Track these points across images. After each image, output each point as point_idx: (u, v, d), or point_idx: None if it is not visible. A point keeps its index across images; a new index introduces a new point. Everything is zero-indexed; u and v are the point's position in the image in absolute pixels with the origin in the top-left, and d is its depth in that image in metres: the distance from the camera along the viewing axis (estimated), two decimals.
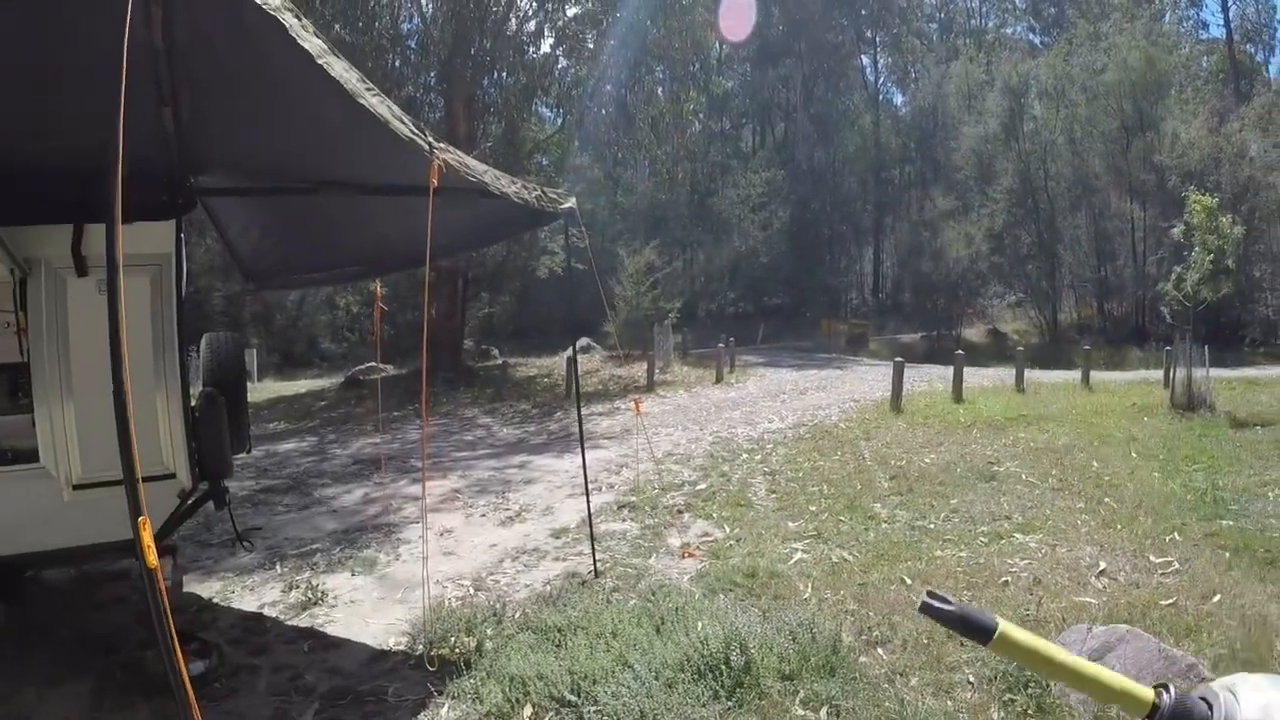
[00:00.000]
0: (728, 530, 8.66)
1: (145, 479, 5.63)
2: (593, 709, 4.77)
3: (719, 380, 24.82)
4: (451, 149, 5.08)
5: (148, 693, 5.66)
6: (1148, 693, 1.20)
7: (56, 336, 5.74)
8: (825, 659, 5.12)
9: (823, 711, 4.69)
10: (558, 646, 5.62)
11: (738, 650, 5.06)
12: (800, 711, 4.71)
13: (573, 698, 4.89)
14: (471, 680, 5.32)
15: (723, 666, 4.97)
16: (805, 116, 60.03)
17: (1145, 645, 4.81)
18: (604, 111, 31.09)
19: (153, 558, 2.96)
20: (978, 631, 1.28)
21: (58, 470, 5.74)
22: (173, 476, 5.88)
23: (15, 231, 5.51)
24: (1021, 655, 1.30)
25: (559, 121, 33.28)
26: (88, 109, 4.81)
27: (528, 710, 4.89)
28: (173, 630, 3.04)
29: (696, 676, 4.98)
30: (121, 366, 3.09)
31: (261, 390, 29.89)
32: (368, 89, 4.22)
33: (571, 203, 6.72)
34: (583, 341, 32.38)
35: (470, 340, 30.59)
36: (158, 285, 5.86)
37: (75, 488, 5.76)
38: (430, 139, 4.77)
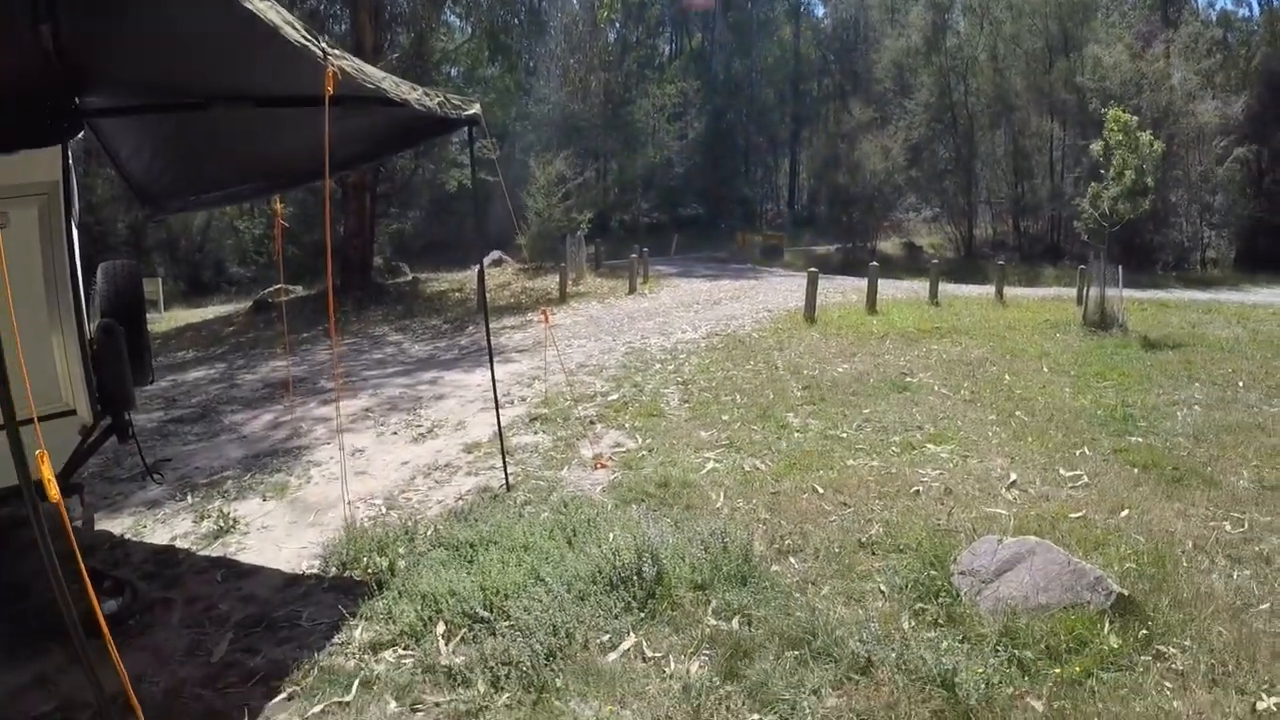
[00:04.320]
0: (640, 440, 8.74)
1: (44, 417, 5.59)
2: (505, 624, 4.85)
3: (632, 291, 24.79)
4: (348, 55, 4.96)
5: (62, 637, 5.65)
6: None
7: None
8: (737, 568, 5.22)
9: (734, 621, 4.79)
10: (469, 563, 5.66)
11: (649, 561, 5.15)
12: (713, 621, 4.81)
13: (485, 613, 4.95)
14: (384, 600, 5.35)
15: (634, 578, 5.07)
16: (724, 25, 59.48)
17: (1054, 558, 4.96)
18: (515, 20, 30.50)
19: (54, 491, 3.00)
20: None
21: None
22: (73, 413, 5.81)
23: None
24: None
25: (469, 31, 32.57)
26: None
27: (440, 627, 4.94)
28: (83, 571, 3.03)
29: (609, 588, 5.08)
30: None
31: (169, 319, 29.24)
32: None
33: (475, 109, 6.54)
34: (494, 255, 32.20)
35: (380, 257, 30.16)
36: (45, 216, 5.66)
37: None
38: (324, 45, 4.65)
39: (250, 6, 3.98)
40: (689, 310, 20.39)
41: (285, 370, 15.88)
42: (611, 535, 5.74)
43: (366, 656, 4.84)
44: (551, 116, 48.23)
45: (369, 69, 5.20)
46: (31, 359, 5.47)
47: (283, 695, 4.61)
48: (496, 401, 8.12)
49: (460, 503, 7.35)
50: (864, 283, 19.13)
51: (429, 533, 6.55)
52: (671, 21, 62.66)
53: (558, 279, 24.82)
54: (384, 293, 26.39)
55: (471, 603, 5.04)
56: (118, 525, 7.76)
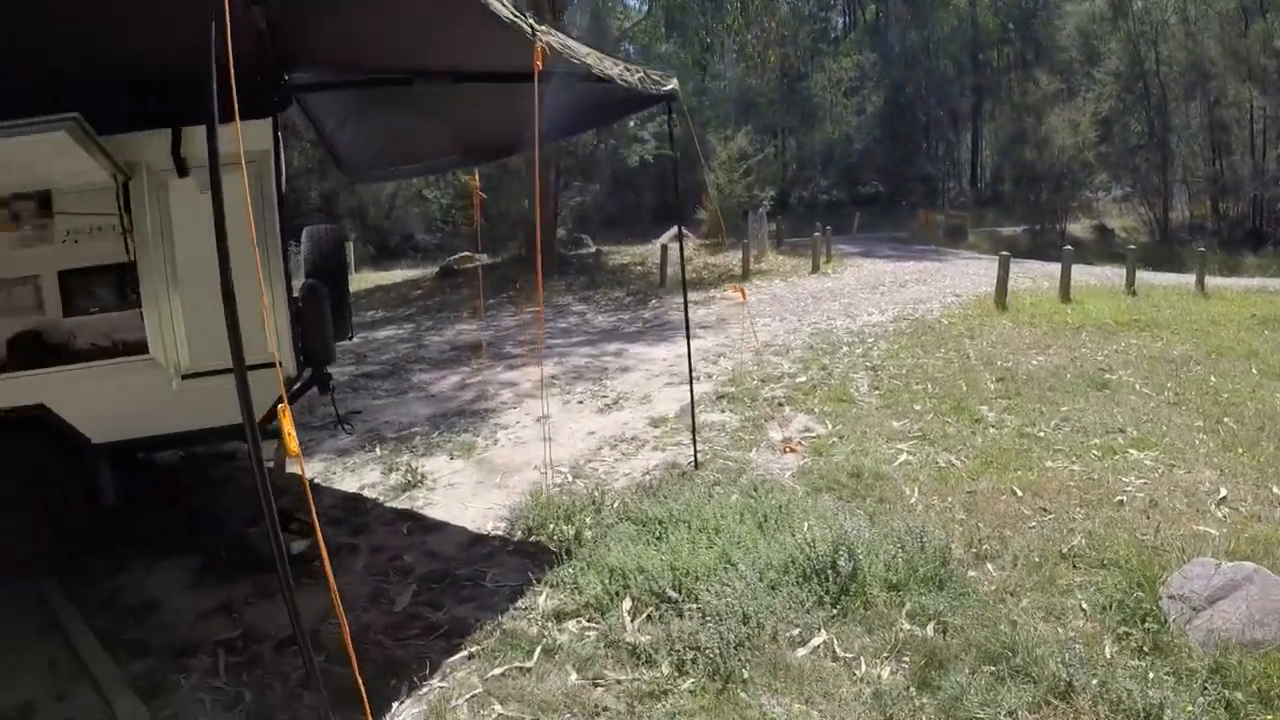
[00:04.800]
0: (830, 426, 8.43)
1: (252, 367, 5.85)
2: (693, 606, 4.72)
3: (815, 270, 24.26)
4: (554, 31, 4.91)
5: (250, 568, 5.88)
6: None
7: (161, 235, 5.94)
8: (933, 571, 4.94)
9: (930, 627, 4.52)
10: (658, 539, 5.55)
11: (845, 556, 4.92)
12: (907, 625, 4.56)
13: (673, 594, 4.84)
14: (570, 569, 5.31)
15: (829, 571, 4.85)
16: None
17: (1273, 588, 4.50)
18: None
19: (294, 444, 3.08)
20: None
21: (166, 361, 5.98)
22: (278, 365, 5.96)
23: (116, 138, 5.57)
24: None
25: (644, 9, 32.44)
26: (180, 13, 4.78)
27: (626, 603, 4.85)
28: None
29: (801, 580, 4.88)
30: (228, 264, 3.06)
31: (359, 280, 30.26)
32: None
33: (673, 84, 6.50)
34: (675, 229, 32.11)
35: (562, 229, 30.42)
36: (257, 182, 5.90)
37: (184, 377, 6.00)
38: (532, 21, 4.59)
39: None
40: (874, 292, 19.77)
41: (473, 334, 16.18)
42: (806, 525, 5.54)
43: (549, 624, 4.80)
44: (728, 93, 47.80)
45: (574, 44, 5.15)
46: (241, 314, 5.79)
47: (463, 653, 4.63)
48: (691, 376, 7.95)
49: (648, 477, 7.26)
50: (1054, 268, 18.22)
51: (615, 505, 6.48)
52: None
53: (739, 256, 24.42)
54: (567, 264, 26.52)
55: (660, 581, 4.92)
56: (309, 470, 7.96)
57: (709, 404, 9.43)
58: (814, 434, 8.23)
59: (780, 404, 9.35)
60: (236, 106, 3.06)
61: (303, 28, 5.47)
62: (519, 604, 5.07)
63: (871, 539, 5.34)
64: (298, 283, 7.00)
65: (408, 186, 41.76)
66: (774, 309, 17.38)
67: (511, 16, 4.41)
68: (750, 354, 11.77)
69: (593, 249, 30.80)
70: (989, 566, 5.26)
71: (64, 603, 5.67)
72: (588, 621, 4.80)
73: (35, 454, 6.09)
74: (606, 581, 5.04)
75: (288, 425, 3.07)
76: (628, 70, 5.88)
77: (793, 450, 7.68)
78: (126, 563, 6.30)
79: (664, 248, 23.89)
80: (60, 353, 6.72)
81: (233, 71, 3.08)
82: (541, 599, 5.06)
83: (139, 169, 5.87)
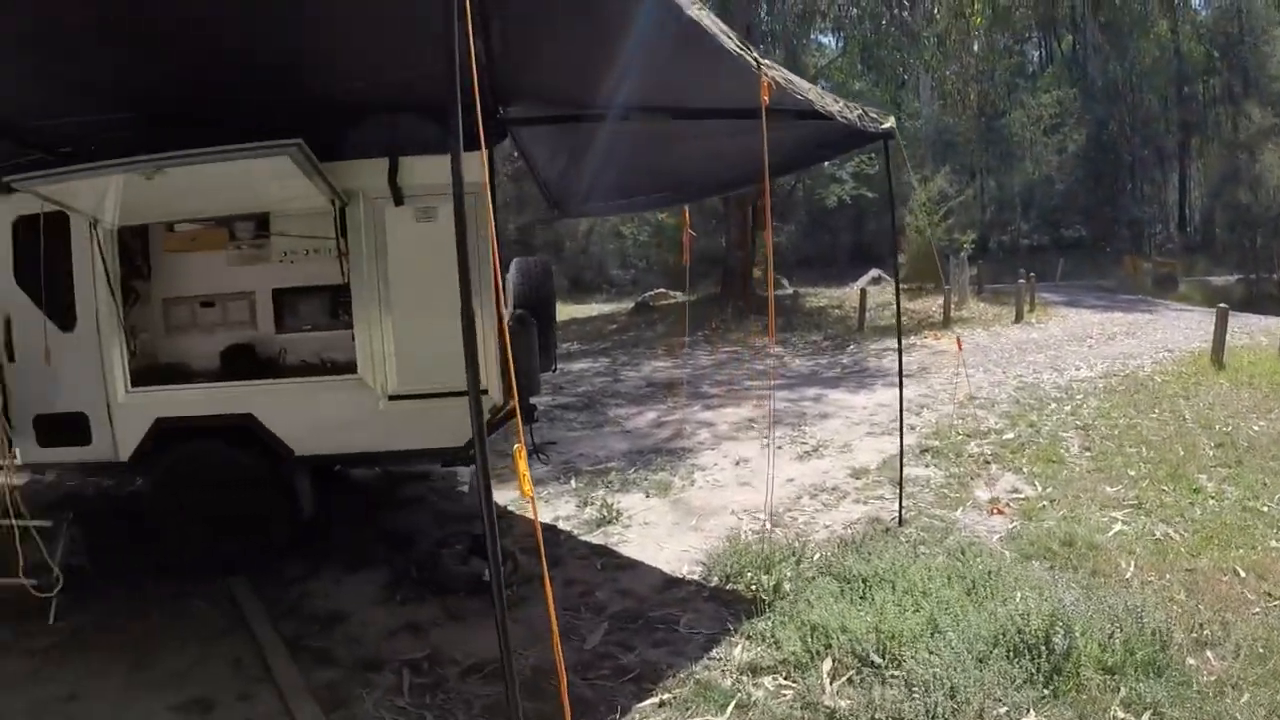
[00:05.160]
0: (1039, 488, 7.99)
1: (455, 394, 6.08)
2: (897, 674, 4.50)
3: (1019, 319, 23.28)
4: (777, 65, 4.83)
5: (438, 589, 6.01)
6: None
7: (375, 260, 6.22)
8: (1151, 655, 4.55)
9: (1145, 717, 4.16)
10: (862, 599, 5.31)
11: (1061, 632, 4.61)
12: (1121, 714, 4.20)
13: (877, 658, 4.62)
14: (767, 622, 5.16)
15: (1041, 647, 4.54)
16: (1094, 26, 54.57)
17: None
18: (891, 29, 29.52)
19: (528, 487, 3.13)
20: None
21: (374, 381, 6.26)
22: (485, 393, 6.13)
23: (335, 165, 5.88)
24: None
25: (839, 46, 31.87)
26: (400, 46, 4.98)
27: (827, 664, 4.66)
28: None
29: (1011, 654, 4.57)
30: (470, 293, 3.26)
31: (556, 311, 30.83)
32: (691, 1, 4.03)
33: (891, 122, 6.33)
34: (873, 273, 31.54)
35: (759, 269, 30.28)
36: (472, 213, 6.01)
37: (390, 398, 6.26)
38: (755, 55, 4.52)
39: (690, 13, 3.92)
40: (1081, 344, 18.78)
41: (670, 371, 16.20)
42: (1019, 595, 5.23)
43: (744, 678, 4.66)
44: (924, 131, 46.55)
45: (796, 79, 5.04)
46: (451, 341, 6.01)
47: (654, 699, 4.53)
48: (902, 428, 7.66)
49: (849, 531, 7.03)
50: (1273, 322, 17.08)
51: (816, 558, 6.30)
52: (1039, 25, 57.96)
53: (939, 301, 23.86)
54: (763, 304, 25.96)
55: (864, 644, 4.72)
56: (503, 496, 7.99)
57: (913, 457, 9.02)
58: (1022, 495, 7.82)
59: (987, 461, 8.96)
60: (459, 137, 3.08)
61: (521, 60, 5.63)
62: (713, 653, 4.95)
63: (1086, 615, 4.97)
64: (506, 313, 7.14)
65: (603, 222, 42.41)
66: (977, 359, 16.69)
67: (738, 48, 4.36)
68: (954, 406, 11.35)
69: (790, 290, 30.45)
70: (1209, 654, 4.80)
71: (254, 604, 5.97)
72: (784, 679, 4.64)
73: (240, 461, 6.47)
74: (807, 639, 4.86)
75: (522, 467, 3.07)
76: (847, 107, 5.77)
77: (1001, 512, 7.32)
78: (317, 571, 6.57)
79: (863, 291, 23.51)
80: (270, 367, 7.22)
81: (459, 102, 3.12)
82: (737, 650, 4.93)
83: (356, 195, 6.18)
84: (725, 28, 4.36)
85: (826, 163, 27.11)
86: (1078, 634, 4.66)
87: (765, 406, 12.01)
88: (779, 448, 9.73)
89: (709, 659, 4.89)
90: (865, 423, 11.08)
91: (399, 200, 6.18)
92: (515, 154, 9.51)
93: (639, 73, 5.61)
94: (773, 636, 4.99)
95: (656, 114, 6.17)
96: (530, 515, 7.49)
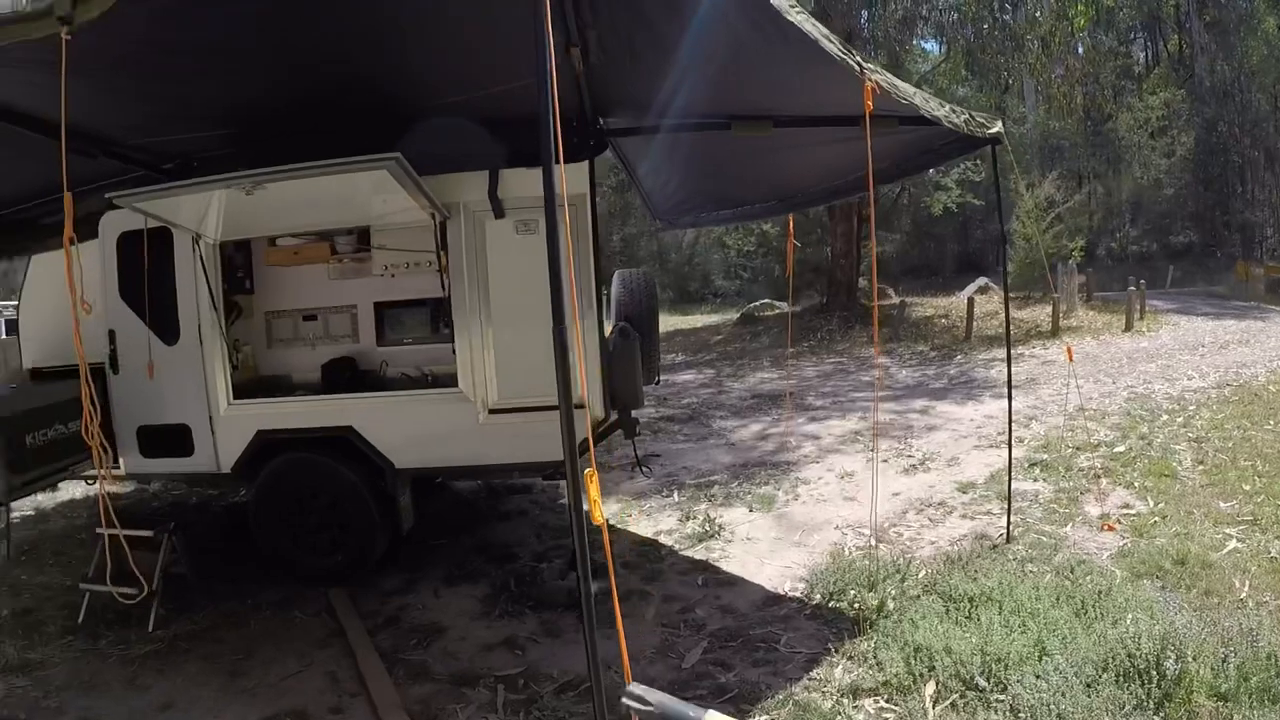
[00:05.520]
0: (1151, 504, 7.59)
1: (556, 408, 6.08)
2: (1003, 698, 4.30)
3: (1128, 328, 22.32)
4: (880, 70, 4.68)
5: (536, 604, 6.01)
6: None
7: (476, 273, 6.24)
8: (1266, 681, 4.23)
9: None
10: (968, 619, 5.10)
11: (1173, 657, 4.33)
12: None
13: (983, 682, 4.43)
14: (869, 642, 5.01)
15: (1152, 672, 4.27)
16: (1199, 25, 52.26)
17: None
18: (989, 35, 28.69)
19: (598, 514, 3.04)
20: None
21: (474, 395, 6.29)
22: (582, 407, 6.09)
23: (435, 179, 5.89)
24: None
25: (941, 51, 30.93)
26: (497, 60, 4.97)
27: (930, 687, 4.49)
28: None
29: (1120, 679, 4.32)
30: (560, 305, 3.31)
31: (660, 323, 30.79)
32: (791, 4, 3.91)
33: (998, 127, 6.04)
34: (980, 281, 30.71)
35: (864, 279, 29.79)
36: (573, 225, 6.06)
37: (491, 411, 6.27)
38: (859, 59, 4.38)
39: (789, 18, 3.83)
40: (1193, 353, 17.93)
41: (775, 383, 16.03)
42: (1129, 616, 4.93)
43: (845, 700, 4.51)
44: (1030, 136, 45.19)
45: (900, 84, 4.88)
46: (552, 355, 6.05)
47: None
48: (1010, 444, 7.44)
49: (955, 548, 6.76)
50: None
51: (921, 575, 6.08)
52: (1144, 25, 55.64)
53: (1048, 310, 23.03)
54: (869, 314, 25.45)
55: (969, 666, 4.52)
56: (605, 510, 7.99)
57: (1021, 471, 8.69)
58: (1134, 511, 7.44)
59: (1097, 475, 8.53)
60: (561, 149, 3.06)
61: (618, 73, 5.57)
62: (813, 674, 4.81)
63: (1199, 638, 4.65)
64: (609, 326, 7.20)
65: (708, 232, 42.19)
66: (1087, 369, 16.08)
67: (841, 54, 4.24)
68: (1063, 418, 10.94)
69: (895, 300, 29.84)
70: None
71: (351, 617, 6.03)
72: (886, 702, 4.48)
73: (341, 473, 6.58)
74: (910, 660, 4.69)
75: (594, 491, 3.01)
76: (953, 111, 5.55)
77: (1111, 529, 6.98)
78: (415, 584, 6.63)
79: (970, 300, 22.95)
80: (370, 380, 7.38)
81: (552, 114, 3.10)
82: (838, 671, 4.79)
83: (457, 209, 6.21)
84: (826, 32, 4.24)
85: (931, 170, 26.58)
86: (1189, 658, 4.37)
87: (871, 419, 11.78)
88: (884, 461, 9.54)
89: (809, 679, 4.75)
90: (973, 435, 10.76)
91: (499, 213, 6.19)
92: (618, 164, 9.48)
93: (738, 80, 5.54)
94: (875, 657, 4.84)
95: (757, 122, 6.05)
96: (631, 529, 7.54)
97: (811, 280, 30.23)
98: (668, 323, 30.14)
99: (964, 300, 23.98)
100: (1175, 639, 4.47)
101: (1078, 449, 9.62)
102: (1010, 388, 7.59)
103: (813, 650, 5.07)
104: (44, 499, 9.64)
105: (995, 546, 6.68)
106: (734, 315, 29.25)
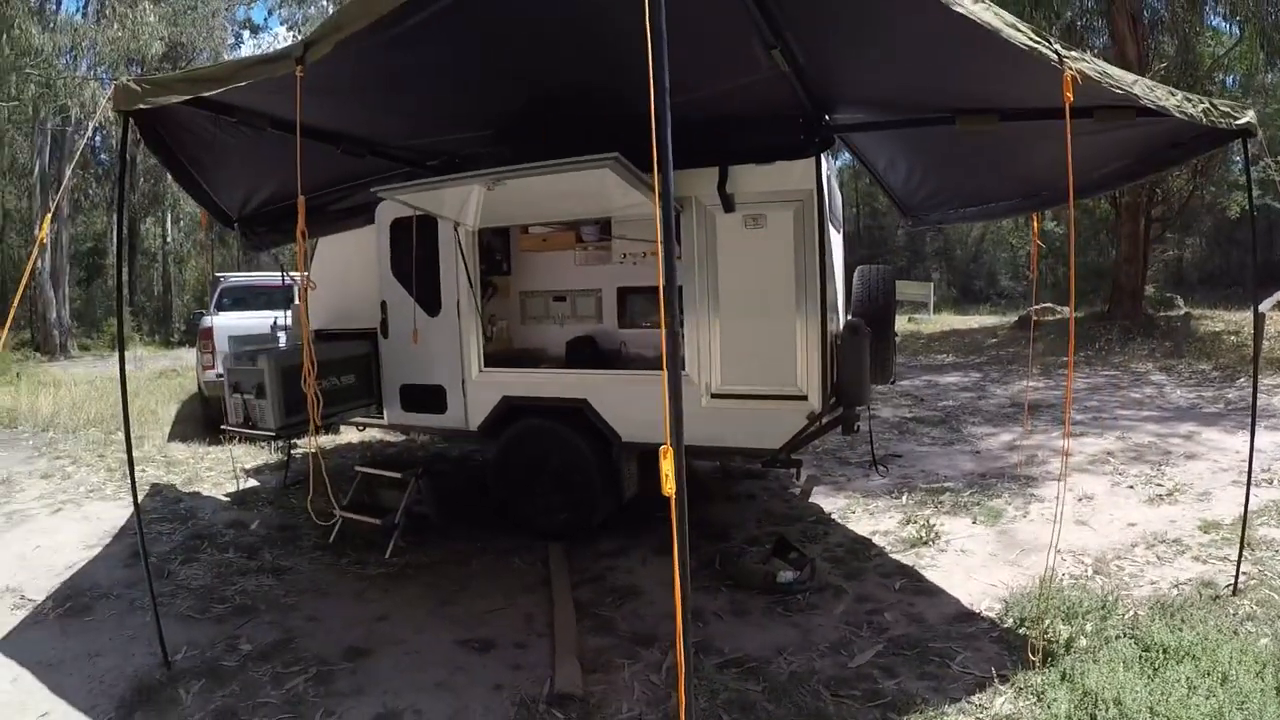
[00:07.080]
0: None
1: (775, 397, 6.25)
2: None
3: None
4: (1087, 57, 4.29)
5: (733, 583, 6.18)
6: None
7: (706, 264, 6.45)
8: None
9: None
10: (1155, 671, 4.52)
11: None
12: None
13: None
14: (1043, 676, 4.62)
15: None
16: None
17: None
18: None
19: (669, 486, 3.06)
20: None
21: (698, 379, 6.49)
22: (804, 399, 6.25)
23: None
24: None
25: (1235, 32, 27.16)
26: (720, 60, 5.23)
27: None
28: None
29: None
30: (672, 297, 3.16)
31: (936, 322, 30.02)
32: None
33: (1249, 117, 5.23)
34: (1278, 295, 27.65)
35: (1151, 287, 27.43)
36: (800, 220, 6.18)
37: (713, 396, 6.48)
38: (1058, 47, 4.03)
39: (959, 10, 3.66)
40: None
41: (1039, 391, 15.32)
42: None
43: None
44: None
45: (1115, 72, 4.45)
46: (774, 345, 6.31)
47: None
48: (1249, 479, 6.25)
49: (1175, 591, 5.94)
50: None
51: (1126, 615, 5.46)
52: None
53: None
54: (1152, 326, 23.19)
55: None
56: (831, 503, 8.19)
57: (1274, 515, 7.55)
58: None
59: None
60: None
61: (830, 69, 5.52)
62: (975, 698, 4.52)
63: None
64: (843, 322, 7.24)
65: (995, 230, 40.34)
66: None
67: (1029, 43, 3.92)
68: None
69: (1182, 311, 27.12)
70: None
71: (561, 569, 6.48)
72: None
73: (573, 441, 7.10)
74: (1076, 704, 4.27)
75: (666, 466, 3.00)
76: (1187, 100, 4.92)
77: None
78: (628, 549, 6.96)
79: (1260, 316, 20.63)
80: (607, 358, 8.02)
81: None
82: (1000, 700, 4.45)
83: (689, 203, 6.41)
84: (1014, 20, 3.92)
85: (1174, 165, 23.94)
86: None
87: (1128, 440, 10.92)
88: (1130, 487, 8.74)
89: (967, 702, 4.48)
90: (1234, 469, 9.40)
91: (729, 208, 6.32)
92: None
93: (946, 73, 5.26)
94: (1041, 694, 4.47)
95: (982, 115, 5.74)
96: (850, 525, 7.39)
97: (1095, 285, 28.41)
98: (944, 323, 29.34)
99: (1261, 316, 21.52)
100: None
101: None
102: (1254, 417, 6.42)
103: (984, 674, 4.75)
104: (325, 440, 10.90)
105: (1218, 597, 5.77)
106: (1013, 318, 27.91)
